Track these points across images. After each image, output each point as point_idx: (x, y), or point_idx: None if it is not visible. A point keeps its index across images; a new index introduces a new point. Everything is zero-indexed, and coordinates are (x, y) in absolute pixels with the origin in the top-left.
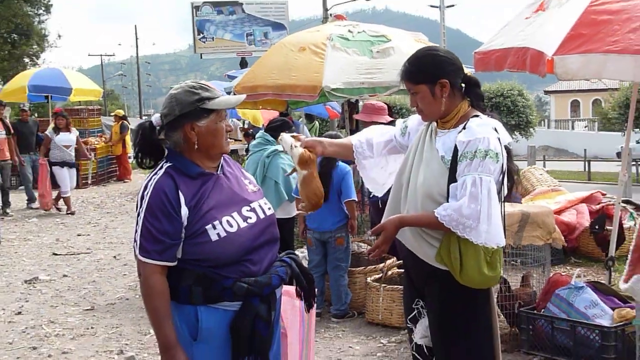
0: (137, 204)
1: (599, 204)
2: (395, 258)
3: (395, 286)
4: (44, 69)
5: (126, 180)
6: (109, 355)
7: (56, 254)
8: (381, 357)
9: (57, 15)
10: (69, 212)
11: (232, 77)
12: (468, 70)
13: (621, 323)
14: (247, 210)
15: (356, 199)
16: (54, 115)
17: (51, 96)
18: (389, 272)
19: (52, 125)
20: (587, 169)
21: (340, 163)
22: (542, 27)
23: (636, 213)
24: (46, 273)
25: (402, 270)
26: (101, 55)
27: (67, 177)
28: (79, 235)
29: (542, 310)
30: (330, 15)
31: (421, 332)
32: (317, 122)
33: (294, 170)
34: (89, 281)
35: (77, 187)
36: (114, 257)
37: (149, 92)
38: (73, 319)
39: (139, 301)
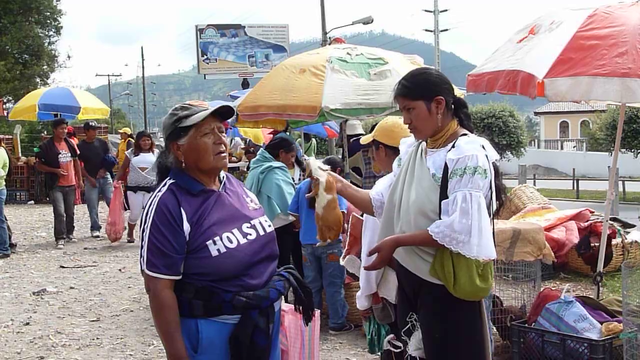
0: (141, 221)
1: (587, 221)
2: None
3: None
4: (53, 88)
5: None
6: None
7: (63, 267)
8: None
9: (67, 37)
10: (129, 239)
11: (234, 97)
12: (460, 92)
13: (609, 336)
14: (248, 227)
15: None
16: (137, 135)
17: (60, 114)
18: None
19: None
20: (575, 188)
21: None
22: (532, 51)
23: (623, 230)
24: (54, 285)
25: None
26: (108, 75)
27: (139, 204)
28: (85, 248)
29: (533, 323)
30: (330, 38)
31: (415, 344)
32: (313, 141)
33: (315, 193)
34: (95, 293)
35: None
36: (119, 270)
37: (154, 111)
38: (79, 330)
39: (143, 313)
